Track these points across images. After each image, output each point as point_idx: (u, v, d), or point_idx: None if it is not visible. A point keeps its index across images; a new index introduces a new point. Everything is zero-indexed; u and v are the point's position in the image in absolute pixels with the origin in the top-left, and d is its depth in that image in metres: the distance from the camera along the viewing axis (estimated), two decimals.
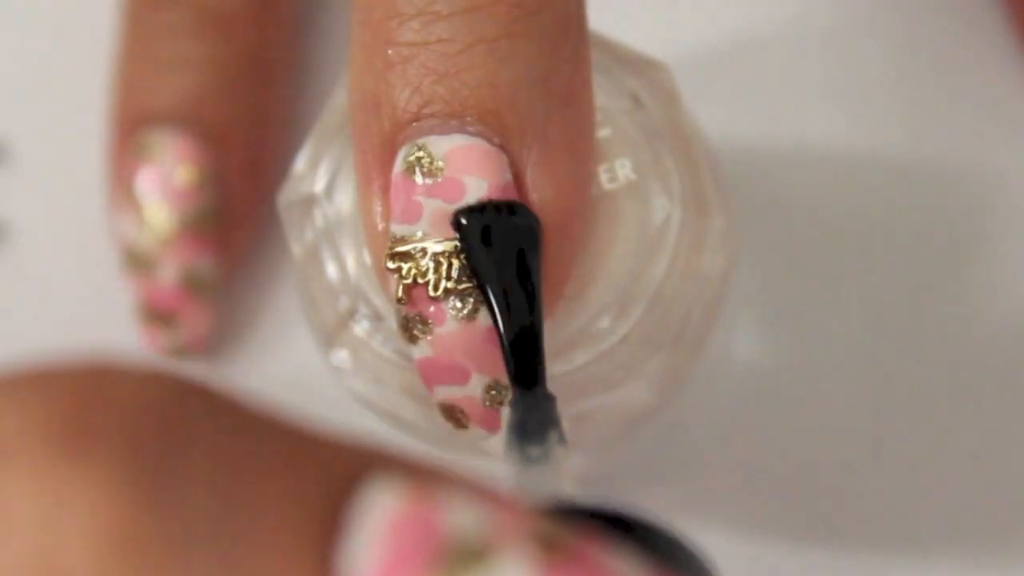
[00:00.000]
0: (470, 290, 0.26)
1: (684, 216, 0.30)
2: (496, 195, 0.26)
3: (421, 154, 0.26)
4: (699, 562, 0.21)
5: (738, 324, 0.40)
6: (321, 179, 0.30)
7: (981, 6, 0.41)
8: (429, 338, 0.26)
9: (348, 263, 0.30)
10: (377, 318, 0.30)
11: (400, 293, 0.26)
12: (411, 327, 0.26)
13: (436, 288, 0.26)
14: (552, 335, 0.29)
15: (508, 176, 0.26)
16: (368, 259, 0.29)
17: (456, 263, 0.26)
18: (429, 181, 0.26)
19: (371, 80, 0.26)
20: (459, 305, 0.26)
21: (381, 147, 0.26)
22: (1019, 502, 0.39)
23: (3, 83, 0.43)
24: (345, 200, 0.30)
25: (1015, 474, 0.39)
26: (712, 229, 0.30)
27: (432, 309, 0.26)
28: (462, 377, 0.26)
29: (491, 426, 0.27)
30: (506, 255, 0.26)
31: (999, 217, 0.40)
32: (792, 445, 0.39)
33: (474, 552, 0.18)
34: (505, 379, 0.26)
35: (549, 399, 0.25)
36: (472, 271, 0.26)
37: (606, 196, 0.29)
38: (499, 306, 0.26)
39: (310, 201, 0.30)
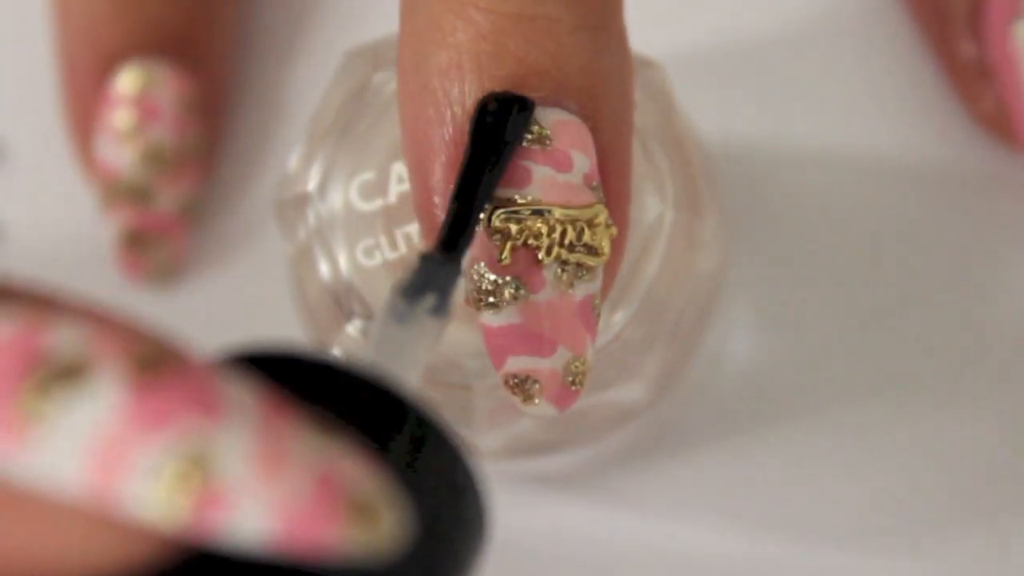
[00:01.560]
0: (576, 260, 0.26)
1: (677, 215, 0.30)
2: (594, 176, 0.26)
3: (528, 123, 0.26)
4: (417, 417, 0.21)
5: (732, 323, 0.40)
6: (314, 178, 0.30)
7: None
8: (519, 304, 0.26)
9: (341, 262, 0.30)
10: (370, 317, 0.30)
11: (506, 254, 0.26)
12: (500, 291, 0.26)
13: (549, 252, 0.26)
14: None
15: (595, 157, 0.26)
16: (360, 258, 0.29)
17: (571, 232, 0.26)
18: (537, 147, 0.26)
19: (462, 43, 0.26)
20: (560, 273, 0.26)
21: (466, 111, 0.26)
22: (1020, 501, 0.39)
23: (2, 80, 0.43)
24: (338, 199, 0.30)
25: (1016, 473, 0.39)
26: (705, 228, 0.30)
27: (533, 274, 0.26)
28: (547, 349, 0.26)
29: (563, 404, 0.26)
30: (495, 138, 0.25)
31: (997, 217, 0.40)
32: (786, 443, 0.39)
33: (69, 368, 0.19)
34: (587, 354, 0.26)
35: (455, 268, 0.25)
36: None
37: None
38: (463, 176, 0.25)
39: (303, 200, 0.30)
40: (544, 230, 0.26)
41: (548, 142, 0.26)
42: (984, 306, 0.40)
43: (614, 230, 0.26)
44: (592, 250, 0.26)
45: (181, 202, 0.39)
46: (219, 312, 0.41)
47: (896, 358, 0.39)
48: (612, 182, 0.26)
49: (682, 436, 0.39)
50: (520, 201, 0.26)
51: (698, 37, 0.41)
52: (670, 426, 0.39)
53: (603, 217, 0.26)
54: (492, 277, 0.26)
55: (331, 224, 0.30)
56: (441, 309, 0.25)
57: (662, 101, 0.31)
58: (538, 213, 0.26)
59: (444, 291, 0.25)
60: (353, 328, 0.30)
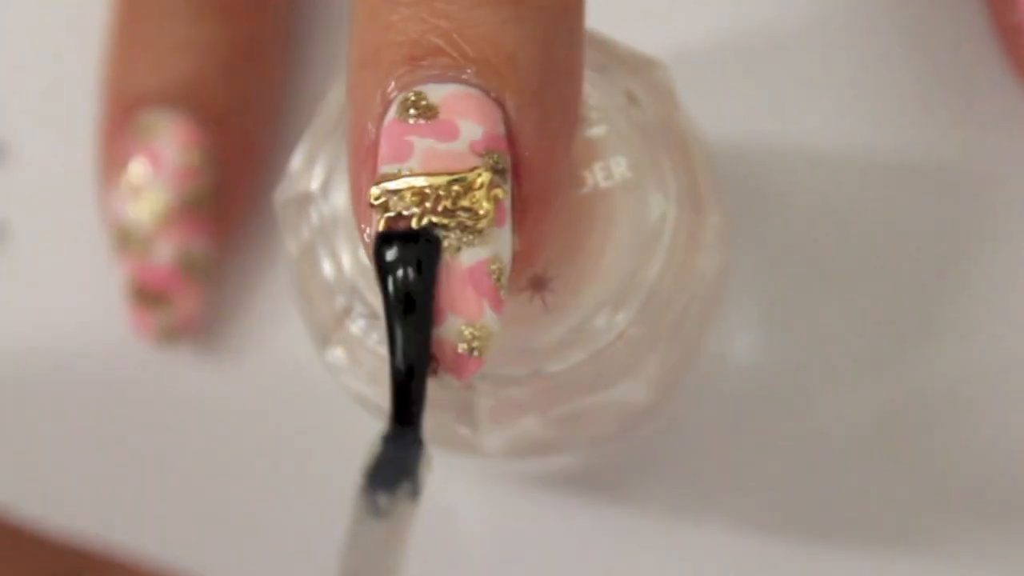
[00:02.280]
0: (453, 225, 0.25)
1: (680, 214, 0.30)
2: (489, 144, 0.26)
3: (417, 99, 0.26)
4: None
5: (735, 322, 0.40)
6: (317, 177, 0.30)
7: (983, 5, 0.41)
8: None
9: (344, 261, 0.30)
10: (373, 316, 0.30)
11: (382, 227, 0.26)
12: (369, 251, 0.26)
13: (420, 220, 0.25)
14: (548, 333, 0.29)
15: (502, 129, 0.26)
16: (363, 256, 0.29)
17: (443, 198, 0.25)
18: (423, 121, 0.26)
19: (372, 36, 0.26)
20: (445, 241, 0.25)
21: (379, 101, 0.26)
22: (1022, 501, 0.39)
23: (2, 80, 0.43)
24: (341, 198, 0.30)
25: (1018, 473, 0.39)
26: (708, 227, 0.30)
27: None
28: (438, 318, 0.26)
29: (461, 373, 0.26)
30: (400, 289, 0.25)
31: (1000, 216, 0.40)
32: (790, 444, 0.39)
33: None
34: (484, 322, 0.26)
35: (418, 445, 0.25)
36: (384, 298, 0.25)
37: (602, 194, 0.29)
38: (388, 339, 0.25)
39: (306, 199, 0.30)
40: (415, 199, 0.25)
41: (434, 114, 0.26)
42: (988, 304, 0.40)
43: (499, 192, 0.26)
44: (473, 213, 0.25)
45: (183, 257, 0.39)
46: (223, 311, 0.41)
47: (901, 356, 0.39)
48: (523, 149, 0.26)
49: (685, 436, 0.39)
50: (398, 174, 0.26)
51: (702, 35, 0.41)
52: (673, 426, 0.39)
53: (483, 179, 0.26)
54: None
55: (334, 223, 0.30)
56: (417, 492, 0.24)
57: (666, 100, 0.30)
58: (411, 184, 0.25)
59: (416, 471, 0.24)
60: (356, 327, 0.30)
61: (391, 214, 0.25)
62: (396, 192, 0.26)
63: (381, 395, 0.30)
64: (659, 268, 0.29)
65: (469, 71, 0.26)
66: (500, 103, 0.26)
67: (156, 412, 0.41)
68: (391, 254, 0.25)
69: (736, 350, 0.40)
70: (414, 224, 0.25)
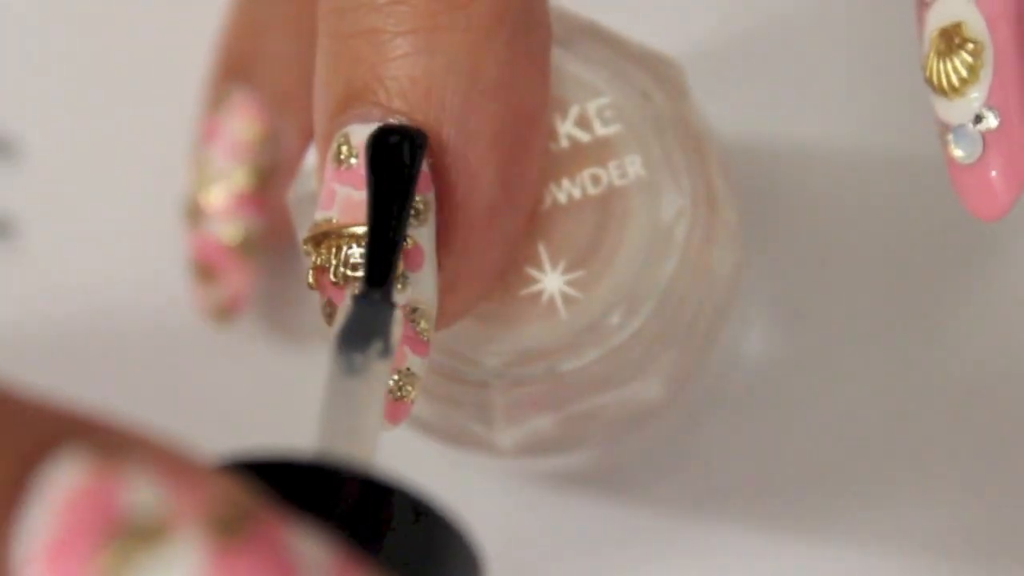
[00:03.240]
0: (357, 276, 0.26)
1: (694, 212, 0.30)
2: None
3: (342, 143, 0.26)
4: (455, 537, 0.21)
5: (749, 320, 0.40)
6: None
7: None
8: None
9: None
10: None
11: (310, 279, 0.26)
12: (324, 313, 0.26)
13: (335, 274, 0.26)
14: (563, 331, 0.29)
15: (423, 165, 0.26)
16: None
17: (356, 249, 0.26)
18: (344, 168, 0.26)
19: (321, 72, 0.26)
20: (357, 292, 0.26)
21: (321, 141, 0.27)
22: None
23: (8, 78, 0.43)
24: None
25: (1023, 470, 0.39)
26: (722, 225, 0.30)
27: (336, 295, 0.26)
28: None
29: (391, 418, 0.26)
30: (388, 169, 0.25)
31: (1013, 213, 0.40)
32: (802, 442, 0.39)
33: (149, 531, 0.18)
34: (408, 366, 0.26)
35: (390, 305, 0.25)
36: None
37: (616, 192, 0.29)
38: (368, 206, 0.25)
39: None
40: (331, 251, 0.26)
41: (352, 160, 0.26)
42: (1000, 302, 0.39)
43: (408, 242, 0.25)
44: None
45: (241, 234, 0.39)
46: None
47: (913, 354, 0.39)
48: (445, 178, 0.26)
49: (699, 434, 0.39)
50: (327, 222, 0.26)
51: (716, 34, 0.41)
52: (687, 424, 0.39)
53: None
54: (321, 300, 0.26)
55: None
56: (388, 351, 0.24)
57: (678, 98, 0.30)
58: (326, 235, 0.26)
59: (388, 331, 0.24)
60: None
61: (316, 265, 0.26)
62: (319, 243, 0.26)
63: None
64: (673, 266, 0.29)
65: (392, 108, 0.26)
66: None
67: (157, 407, 0.41)
68: (393, 140, 0.25)
69: (749, 348, 0.40)
70: (332, 278, 0.26)
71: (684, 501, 0.39)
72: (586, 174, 0.29)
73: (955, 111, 0.28)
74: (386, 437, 0.25)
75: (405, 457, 0.30)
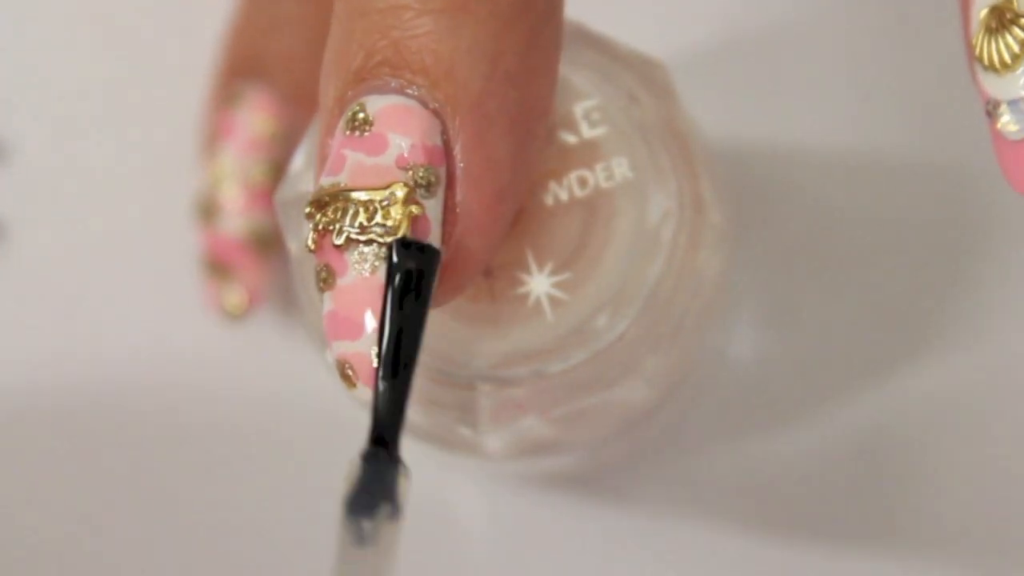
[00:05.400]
0: (372, 241, 0.26)
1: (681, 214, 0.30)
2: (422, 156, 0.26)
3: (358, 111, 0.26)
4: None
5: (736, 322, 0.40)
6: None
7: None
8: (331, 291, 0.26)
9: None
10: None
11: (310, 241, 0.26)
12: (319, 278, 0.26)
13: (339, 235, 0.26)
14: (550, 333, 0.29)
15: (437, 140, 0.26)
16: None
17: (363, 213, 0.26)
18: (357, 135, 0.26)
19: (336, 45, 0.27)
20: (360, 256, 0.26)
21: (332, 109, 0.27)
22: (1023, 500, 0.39)
23: (2, 80, 0.43)
24: None
25: (1019, 472, 0.39)
26: (709, 227, 0.30)
27: (336, 259, 0.26)
28: (356, 331, 0.26)
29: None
30: (395, 312, 0.25)
31: (1000, 216, 0.40)
32: (790, 444, 0.39)
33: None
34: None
35: (396, 465, 0.25)
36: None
37: (603, 194, 0.29)
38: (375, 362, 0.25)
39: (306, 200, 0.30)
40: (336, 214, 0.26)
41: (368, 128, 0.26)
42: (988, 303, 0.40)
43: (415, 208, 0.26)
44: (388, 229, 0.26)
45: (253, 231, 0.39)
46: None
47: (902, 356, 0.39)
48: (458, 158, 0.26)
49: (686, 436, 0.39)
50: (332, 187, 0.26)
51: (703, 36, 0.41)
52: (675, 426, 0.39)
53: (400, 195, 0.26)
54: (315, 266, 0.26)
55: None
56: (398, 511, 0.24)
57: (665, 100, 0.31)
58: (335, 198, 0.26)
59: (395, 492, 0.24)
60: None
61: (318, 229, 0.26)
62: (325, 205, 0.26)
63: None
64: (660, 268, 0.29)
65: (411, 82, 0.26)
66: (438, 115, 0.26)
67: (157, 408, 0.41)
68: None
69: (737, 350, 0.40)
70: (335, 240, 0.26)
71: (671, 503, 0.39)
72: (573, 176, 0.29)
73: (1006, 86, 0.28)
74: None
75: None
